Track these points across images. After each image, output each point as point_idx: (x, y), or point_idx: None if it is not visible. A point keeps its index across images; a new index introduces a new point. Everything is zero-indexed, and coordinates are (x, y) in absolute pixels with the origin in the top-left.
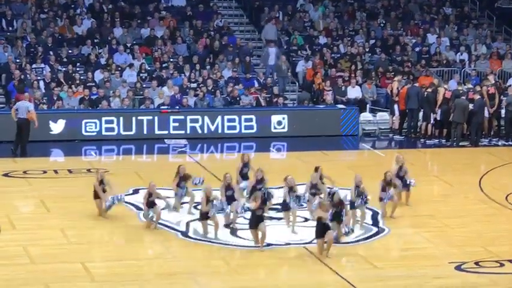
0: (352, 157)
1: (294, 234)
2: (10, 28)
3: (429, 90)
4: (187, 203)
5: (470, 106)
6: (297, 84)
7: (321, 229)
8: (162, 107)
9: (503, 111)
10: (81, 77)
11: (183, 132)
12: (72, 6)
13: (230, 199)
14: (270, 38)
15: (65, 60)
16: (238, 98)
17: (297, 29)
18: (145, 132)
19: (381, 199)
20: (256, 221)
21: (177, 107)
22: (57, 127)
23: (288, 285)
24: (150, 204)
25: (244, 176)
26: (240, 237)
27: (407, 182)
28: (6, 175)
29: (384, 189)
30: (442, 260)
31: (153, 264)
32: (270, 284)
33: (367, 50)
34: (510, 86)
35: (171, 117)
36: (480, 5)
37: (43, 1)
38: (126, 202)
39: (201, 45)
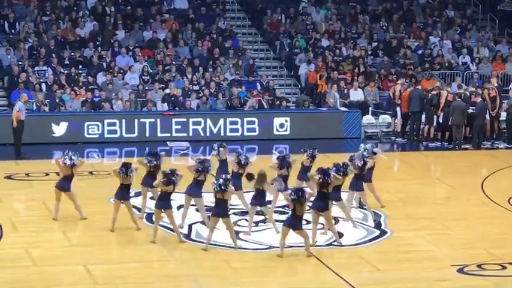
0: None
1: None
2: (12, 31)
3: (433, 92)
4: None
5: (470, 109)
6: (299, 86)
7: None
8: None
9: (503, 114)
10: (84, 80)
11: (185, 134)
12: (75, 8)
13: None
14: None
15: (67, 62)
16: (239, 106)
17: (299, 31)
18: (147, 134)
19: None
20: None
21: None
22: (59, 129)
23: (289, 287)
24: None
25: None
26: (242, 240)
27: None
28: (8, 177)
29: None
30: (444, 262)
31: (155, 267)
32: (272, 287)
33: (369, 52)
34: (511, 89)
35: (174, 120)
36: (483, 8)
37: (45, 4)
38: None
39: (204, 47)
